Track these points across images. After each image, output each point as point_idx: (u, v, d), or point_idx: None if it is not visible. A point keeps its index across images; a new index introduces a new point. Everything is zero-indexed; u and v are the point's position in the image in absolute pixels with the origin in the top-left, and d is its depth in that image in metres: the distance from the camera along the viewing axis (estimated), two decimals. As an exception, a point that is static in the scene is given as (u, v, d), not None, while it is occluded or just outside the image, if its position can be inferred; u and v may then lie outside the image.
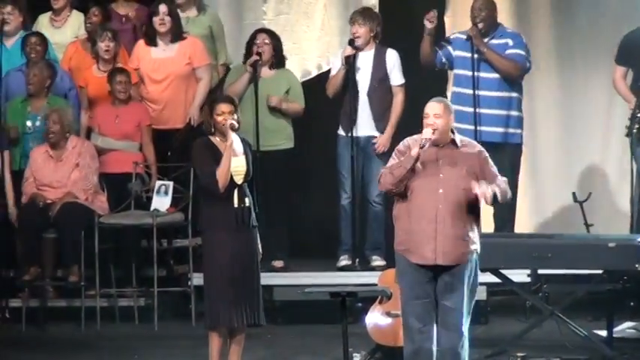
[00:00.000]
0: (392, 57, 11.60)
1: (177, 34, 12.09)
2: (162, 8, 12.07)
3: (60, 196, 10.79)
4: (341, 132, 11.82)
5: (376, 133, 11.76)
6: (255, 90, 10.98)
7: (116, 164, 11.39)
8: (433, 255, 8.00)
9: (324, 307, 9.93)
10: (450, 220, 8.07)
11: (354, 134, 11.84)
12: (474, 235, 8.32)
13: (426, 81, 11.57)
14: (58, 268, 11.30)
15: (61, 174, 10.66)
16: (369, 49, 11.84)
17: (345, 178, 11.79)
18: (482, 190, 7.83)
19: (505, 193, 8.16)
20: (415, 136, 8.02)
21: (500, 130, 11.27)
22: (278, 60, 11.84)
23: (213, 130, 8.89)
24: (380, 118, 11.69)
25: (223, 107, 8.84)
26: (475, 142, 8.67)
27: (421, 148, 7.86)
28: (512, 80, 11.68)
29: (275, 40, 11.99)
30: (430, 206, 8.03)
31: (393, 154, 8.24)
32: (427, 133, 7.86)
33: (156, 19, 12.05)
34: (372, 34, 11.94)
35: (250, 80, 11.27)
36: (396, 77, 11.78)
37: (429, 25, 11.81)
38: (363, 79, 11.63)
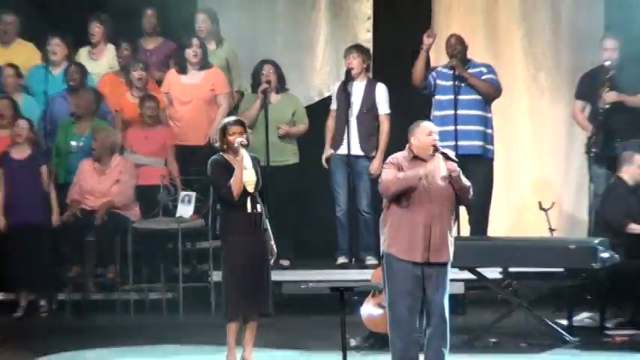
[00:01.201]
0: (381, 90, 11.74)
1: (204, 64, 12.16)
2: (195, 42, 12.20)
3: (100, 204, 10.82)
4: (332, 151, 11.62)
5: (361, 153, 11.77)
6: (265, 114, 11.14)
7: (145, 177, 11.49)
8: (427, 253, 8.18)
9: (324, 300, 9.95)
10: (438, 223, 8.27)
11: (343, 153, 11.86)
12: (452, 239, 8.56)
13: (410, 109, 11.39)
14: (97, 267, 11.37)
15: (103, 185, 10.89)
16: (361, 80, 11.89)
17: (339, 193, 11.89)
18: (455, 167, 8.16)
19: (467, 185, 8.37)
20: (400, 153, 8.23)
21: (480, 143, 11.33)
22: (282, 85, 11.90)
23: (225, 147, 9.10)
24: (365, 141, 11.79)
25: (234, 128, 9.10)
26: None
27: (437, 152, 8.03)
28: (490, 100, 11.73)
29: (278, 68, 12.06)
30: (424, 211, 8.18)
31: (385, 166, 8.32)
32: (432, 147, 8.06)
33: (189, 51, 12.15)
34: (364, 66, 12.08)
35: (261, 105, 11.29)
36: (383, 107, 11.89)
37: (427, 41, 11.81)
38: (355, 105, 11.53)
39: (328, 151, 11.86)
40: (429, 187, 8.20)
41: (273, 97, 11.78)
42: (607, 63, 11.86)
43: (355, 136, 11.85)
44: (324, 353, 9.72)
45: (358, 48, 12.29)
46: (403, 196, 8.24)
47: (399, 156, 8.30)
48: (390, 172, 8.25)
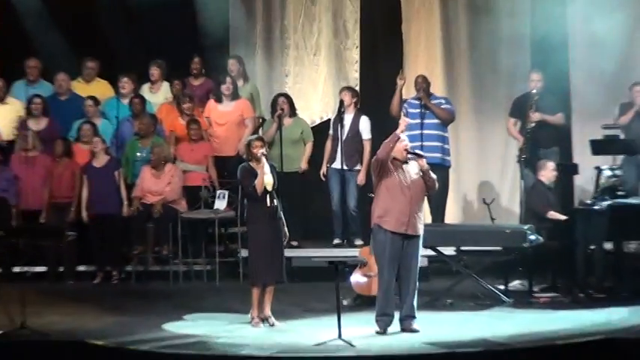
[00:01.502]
0: (364, 121, 11.90)
1: (234, 96, 12.22)
2: (228, 80, 12.22)
3: (157, 200, 11.24)
4: (328, 165, 11.99)
5: (346, 167, 11.87)
6: (280, 133, 11.39)
7: (191, 180, 11.78)
8: (407, 227, 8.73)
9: (324, 271, 9.79)
10: (415, 206, 8.81)
11: (336, 167, 12.03)
12: (423, 217, 9.15)
13: (389, 131, 11.26)
14: (155, 246, 11.68)
15: (158, 186, 11.25)
16: (350, 112, 11.90)
17: (333, 194, 12.03)
18: (424, 163, 8.81)
19: (433, 177, 8.96)
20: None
21: (439, 155, 11.51)
22: (292, 111, 11.98)
23: (250, 157, 9.42)
24: (348, 158, 11.80)
25: (257, 143, 9.41)
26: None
27: (409, 153, 8.80)
28: (447, 123, 11.88)
29: (289, 99, 12.14)
30: (405, 196, 8.72)
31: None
32: (404, 150, 8.72)
33: (224, 86, 12.21)
34: (353, 100, 12.08)
35: (277, 127, 11.61)
36: (366, 134, 11.95)
37: (399, 82, 12.00)
38: (345, 131, 11.79)
39: (324, 167, 12.08)
40: (407, 175, 8.80)
41: (286, 121, 11.87)
42: (533, 91, 12.01)
43: (340, 154, 11.88)
44: (321, 311, 9.81)
45: (349, 88, 12.32)
46: (390, 184, 8.75)
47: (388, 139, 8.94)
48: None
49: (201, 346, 8.91)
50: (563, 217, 10.76)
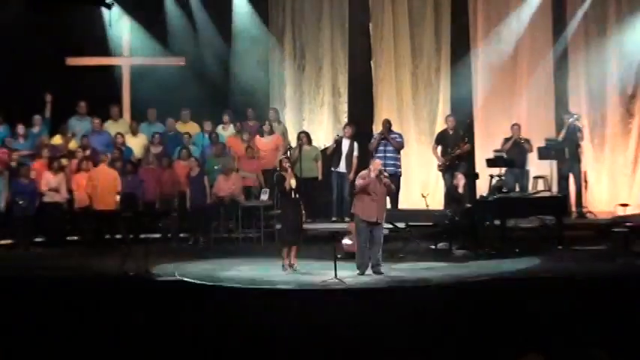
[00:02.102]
0: (355, 145, 11.57)
1: (271, 132, 11.87)
2: (267, 122, 11.85)
3: (226, 195, 11.16)
4: (332, 169, 11.78)
5: (345, 171, 11.57)
6: (300, 155, 11.01)
7: (247, 182, 11.67)
8: (376, 217, 9.02)
9: (326, 237, 10.48)
10: (381, 203, 9.09)
11: (338, 170, 11.77)
12: (385, 211, 9.34)
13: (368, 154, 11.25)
14: (226, 222, 11.40)
15: (228, 186, 11.13)
16: (347, 139, 11.60)
17: (334, 189, 11.73)
18: (386, 179, 8.97)
19: (392, 187, 9.35)
20: (364, 171, 9.13)
21: (395, 169, 11.18)
22: (309, 141, 11.70)
23: (281, 169, 9.50)
24: (348, 164, 11.52)
25: (285, 160, 9.61)
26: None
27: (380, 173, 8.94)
28: (400, 150, 11.52)
29: (307, 134, 11.81)
30: (373, 201, 8.95)
31: (358, 178, 9.16)
32: (378, 167, 8.95)
33: (265, 127, 11.90)
34: (351, 133, 11.68)
35: (299, 151, 11.25)
36: (355, 153, 11.58)
37: (377, 135, 11.61)
38: (344, 150, 11.56)
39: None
40: (375, 188, 9.02)
41: (305, 148, 11.50)
42: (450, 131, 11.62)
43: (343, 163, 11.56)
44: (324, 261, 9.49)
45: (349, 124, 11.91)
46: (365, 191, 9.02)
47: (364, 172, 9.13)
48: (359, 181, 9.09)
49: (253, 282, 9.04)
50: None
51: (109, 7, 11.32)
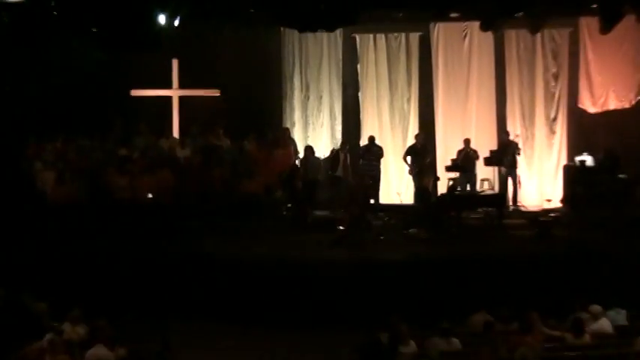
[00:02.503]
0: (348, 156, 11.32)
1: (285, 146, 11.17)
2: (282, 139, 11.18)
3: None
4: (329, 172, 11.25)
5: (341, 175, 11.09)
6: (306, 163, 10.85)
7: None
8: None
9: (326, 222, 10.04)
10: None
11: (335, 174, 11.23)
12: None
13: None
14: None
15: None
16: (342, 152, 11.26)
17: (331, 190, 11.14)
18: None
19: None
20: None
21: (375, 173, 11.08)
22: (312, 152, 11.16)
23: (292, 173, 9.77)
24: (344, 171, 11.12)
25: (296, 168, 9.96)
26: None
27: None
28: (379, 160, 11.26)
29: (311, 147, 11.28)
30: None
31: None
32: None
33: (280, 142, 11.26)
34: (347, 148, 11.37)
35: (306, 160, 10.99)
36: (348, 160, 11.22)
37: (364, 148, 11.27)
38: (341, 159, 11.16)
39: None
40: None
41: (310, 157, 11.06)
42: (419, 145, 11.25)
43: (340, 169, 11.13)
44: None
45: (344, 146, 11.53)
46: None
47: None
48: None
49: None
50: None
51: (159, 54, 10.56)
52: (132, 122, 11.61)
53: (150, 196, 10.34)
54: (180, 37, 9.83)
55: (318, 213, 10.76)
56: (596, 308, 7.13)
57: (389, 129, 12.31)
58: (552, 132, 11.96)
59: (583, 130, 11.78)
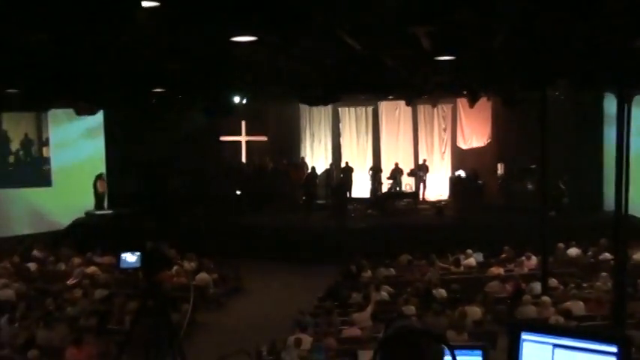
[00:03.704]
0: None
1: (302, 165, 11.34)
2: (299, 162, 11.25)
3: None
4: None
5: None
6: (313, 174, 10.89)
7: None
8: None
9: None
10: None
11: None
12: None
13: None
14: None
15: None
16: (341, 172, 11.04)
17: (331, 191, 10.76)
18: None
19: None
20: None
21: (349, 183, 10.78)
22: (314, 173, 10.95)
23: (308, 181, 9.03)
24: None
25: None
26: None
27: None
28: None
29: (313, 167, 11.17)
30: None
31: None
32: None
33: (299, 164, 11.38)
34: (333, 171, 11.37)
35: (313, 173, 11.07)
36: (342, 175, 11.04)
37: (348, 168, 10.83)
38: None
39: None
40: None
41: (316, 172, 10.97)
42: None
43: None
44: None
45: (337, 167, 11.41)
46: None
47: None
48: None
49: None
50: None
51: (212, 114, 9.14)
52: (222, 154, 11.43)
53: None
54: (245, 107, 9.48)
55: (318, 202, 10.91)
56: (468, 252, 7.71)
57: (356, 157, 12.49)
58: (442, 159, 12.46)
59: (459, 157, 12.04)
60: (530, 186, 9.73)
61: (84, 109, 8.47)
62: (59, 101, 8.45)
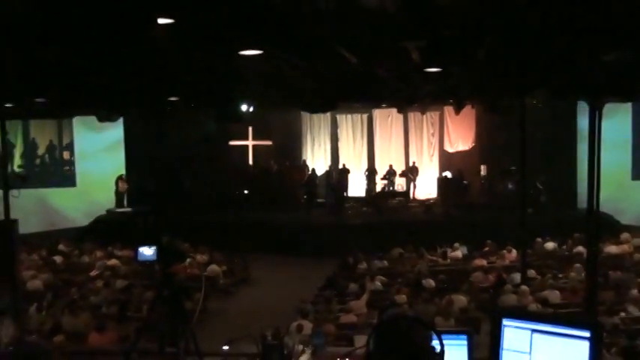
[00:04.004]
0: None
1: (304, 167, 11.17)
2: (302, 164, 11.14)
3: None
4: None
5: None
6: (313, 175, 10.74)
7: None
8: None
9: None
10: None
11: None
12: None
13: None
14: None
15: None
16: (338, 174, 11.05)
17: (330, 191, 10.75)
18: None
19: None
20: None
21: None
22: (314, 174, 10.75)
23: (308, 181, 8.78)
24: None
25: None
26: None
27: None
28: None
29: (313, 169, 11.01)
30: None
31: None
32: None
33: (302, 165, 11.17)
34: (332, 172, 11.36)
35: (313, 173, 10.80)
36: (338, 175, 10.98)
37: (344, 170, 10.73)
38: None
39: None
40: None
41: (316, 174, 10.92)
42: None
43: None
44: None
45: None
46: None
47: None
48: None
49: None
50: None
51: (223, 121, 8.95)
52: (231, 157, 11.30)
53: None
54: (252, 115, 9.10)
55: (318, 200, 10.85)
56: (454, 246, 7.83)
57: (353, 159, 12.45)
58: (431, 161, 12.50)
59: (446, 160, 12.04)
60: (510, 186, 9.78)
61: (104, 116, 8.41)
62: (82, 109, 8.55)
